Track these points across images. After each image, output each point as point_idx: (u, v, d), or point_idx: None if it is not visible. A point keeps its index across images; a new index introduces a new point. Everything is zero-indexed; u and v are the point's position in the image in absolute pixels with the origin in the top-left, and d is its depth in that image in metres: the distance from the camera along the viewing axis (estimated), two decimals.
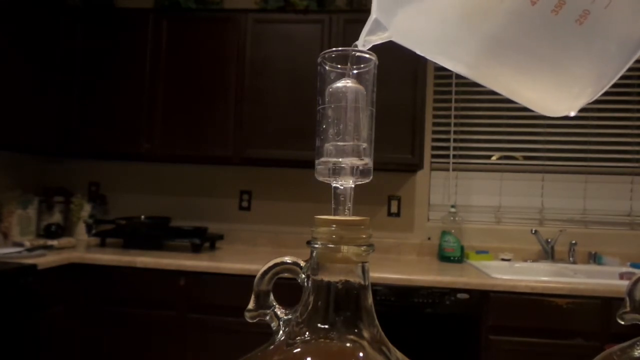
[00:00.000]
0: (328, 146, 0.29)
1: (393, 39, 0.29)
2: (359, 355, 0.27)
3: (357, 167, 0.29)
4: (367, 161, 0.29)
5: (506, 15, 0.25)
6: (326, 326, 0.27)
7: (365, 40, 0.29)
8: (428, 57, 0.30)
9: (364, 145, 0.29)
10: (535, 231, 2.31)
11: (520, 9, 0.25)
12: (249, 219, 2.61)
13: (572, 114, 0.28)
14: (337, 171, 0.29)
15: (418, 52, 0.30)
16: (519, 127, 2.49)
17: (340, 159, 0.29)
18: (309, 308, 0.28)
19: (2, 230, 2.23)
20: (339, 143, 0.29)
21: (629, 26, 0.25)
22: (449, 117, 2.54)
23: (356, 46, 0.30)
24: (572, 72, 0.27)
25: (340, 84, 0.29)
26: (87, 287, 2.03)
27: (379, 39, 0.29)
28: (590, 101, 0.27)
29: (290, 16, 2.33)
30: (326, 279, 0.28)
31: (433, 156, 2.54)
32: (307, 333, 0.27)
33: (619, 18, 0.24)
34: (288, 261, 0.30)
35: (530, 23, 0.25)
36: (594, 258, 2.30)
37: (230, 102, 2.31)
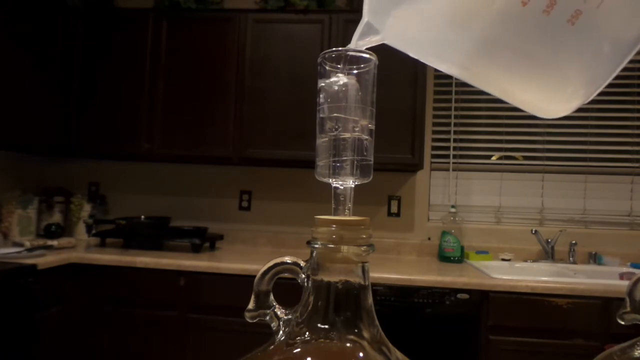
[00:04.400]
0: (326, 143, 0.29)
1: (385, 41, 0.29)
2: (359, 355, 0.27)
3: (357, 161, 0.29)
4: (368, 156, 0.29)
5: (497, 16, 0.25)
6: (326, 326, 0.27)
7: (358, 45, 0.29)
8: (421, 59, 0.30)
9: (364, 136, 0.29)
10: (536, 231, 2.31)
11: (511, 9, 0.24)
12: (249, 219, 2.61)
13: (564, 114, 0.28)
14: (337, 169, 0.29)
15: (411, 54, 0.29)
16: (519, 127, 2.49)
17: (340, 156, 0.29)
18: (309, 308, 0.28)
19: (2, 230, 2.23)
20: (338, 137, 0.29)
21: (622, 27, 0.24)
22: (449, 117, 2.53)
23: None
24: (565, 73, 0.26)
25: (333, 78, 0.29)
26: (87, 287, 2.03)
27: (371, 42, 0.29)
28: (585, 103, 0.27)
29: (290, 16, 2.33)
30: (326, 279, 0.28)
31: (433, 156, 2.54)
32: (307, 333, 0.27)
33: (612, 18, 0.24)
34: (288, 261, 0.30)
35: (521, 24, 0.25)
36: (594, 258, 2.30)
37: (230, 102, 2.31)
